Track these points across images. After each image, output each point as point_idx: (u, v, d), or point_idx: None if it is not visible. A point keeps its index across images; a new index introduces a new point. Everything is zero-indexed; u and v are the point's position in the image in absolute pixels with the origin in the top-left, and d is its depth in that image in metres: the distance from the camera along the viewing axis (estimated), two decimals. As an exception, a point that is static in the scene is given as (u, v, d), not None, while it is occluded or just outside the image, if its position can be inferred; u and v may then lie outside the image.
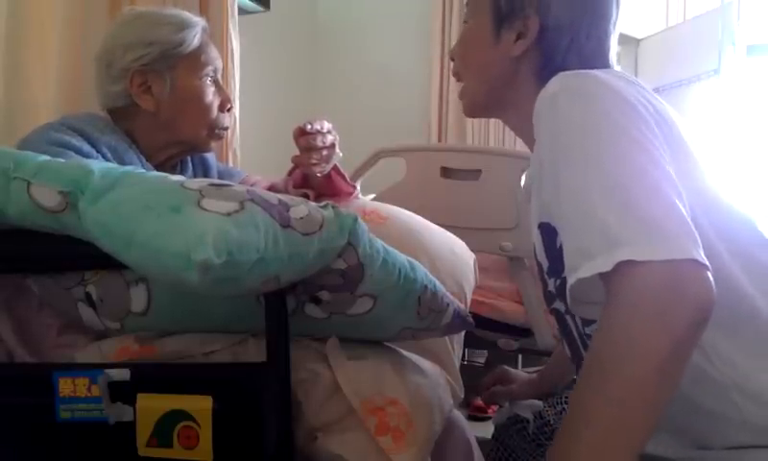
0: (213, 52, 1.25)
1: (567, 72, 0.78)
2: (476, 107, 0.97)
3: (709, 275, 0.63)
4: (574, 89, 0.75)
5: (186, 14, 1.23)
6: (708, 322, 0.62)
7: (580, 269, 0.66)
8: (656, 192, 0.66)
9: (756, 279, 0.75)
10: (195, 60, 1.21)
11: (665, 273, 0.62)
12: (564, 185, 0.71)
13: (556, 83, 0.76)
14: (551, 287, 0.86)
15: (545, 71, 0.86)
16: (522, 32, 0.88)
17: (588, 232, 0.66)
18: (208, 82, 1.22)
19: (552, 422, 1.18)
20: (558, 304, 0.87)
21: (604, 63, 0.89)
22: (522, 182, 1.50)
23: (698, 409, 0.74)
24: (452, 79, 3.60)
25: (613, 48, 0.91)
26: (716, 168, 0.79)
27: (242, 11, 2.24)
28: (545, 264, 0.86)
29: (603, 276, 0.64)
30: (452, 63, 0.98)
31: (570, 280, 0.67)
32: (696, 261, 0.62)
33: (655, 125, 0.72)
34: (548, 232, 0.81)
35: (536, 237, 0.86)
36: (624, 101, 0.73)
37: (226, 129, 1.27)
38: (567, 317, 0.86)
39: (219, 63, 1.26)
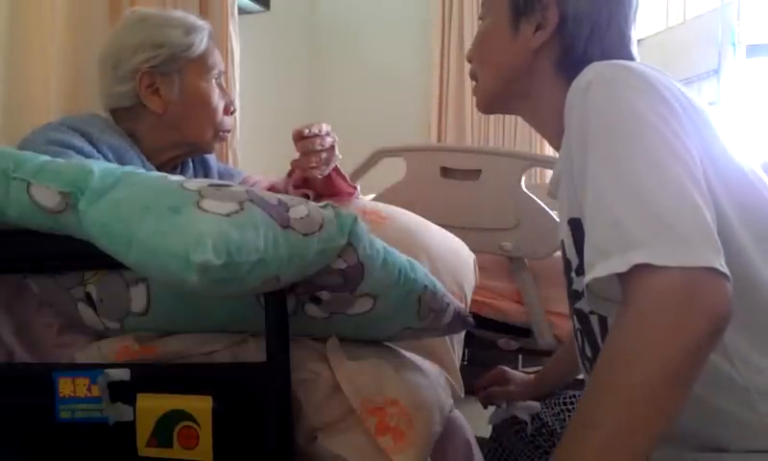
0: (218, 56, 1.28)
1: (602, 62, 0.75)
2: (492, 100, 0.93)
3: (728, 285, 0.61)
4: (607, 79, 0.72)
5: (192, 18, 1.25)
6: (722, 333, 0.61)
7: (596, 267, 0.64)
8: (680, 195, 0.64)
9: None
10: (203, 64, 1.23)
11: (682, 281, 0.60)
12: (591, 180, 0.69)
13: (590, 72, 0.74)
14: (576, 285, 0.83)
15: (565, 62, 0.85)
16: (541, 23, 0.86)
17: (606, 230, 0.64)
18: (214, 84, 1.25)
19: (550, 423, 1.17)
20: (582, 304, 0.83)
21: (626, 53, 0.86)
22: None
23: (712, 411, 0.71)
24: (452, 79, 3.63)
25: (635, 37, 0.88)
26: (744, 153, 0.76)
27: (242, 11, 2.25)
28: (575, 261, 0.82)
29: (619, 276, 0.62)
30: (469, 65, 0.94)
31: (586, 278, 0.65)
32: (715, 270, 0.60)
33: (686, 116, 0.70)
34: (578, 228, 0.78)
35: (564, 233, 0.83)
36: (658, 95, 0.70)
37: (228, 131, 1.31)
38: (592, 317, 0.83)
39: (222, 67, 1.30)
